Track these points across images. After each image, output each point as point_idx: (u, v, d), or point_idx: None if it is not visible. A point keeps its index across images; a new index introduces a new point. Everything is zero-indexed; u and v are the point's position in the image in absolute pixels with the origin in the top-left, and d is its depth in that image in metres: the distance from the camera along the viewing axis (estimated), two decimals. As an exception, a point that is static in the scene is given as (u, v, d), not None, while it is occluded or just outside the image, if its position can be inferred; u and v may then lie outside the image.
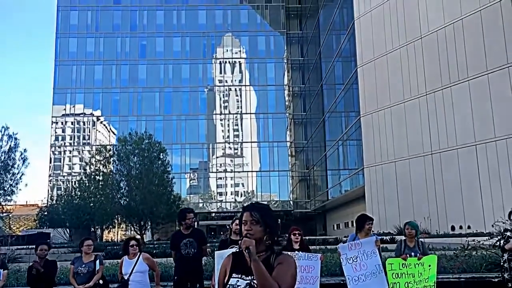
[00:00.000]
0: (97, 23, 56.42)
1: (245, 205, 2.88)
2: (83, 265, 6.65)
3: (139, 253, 6.76)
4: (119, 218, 37.62)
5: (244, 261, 2.65)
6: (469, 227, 23.44)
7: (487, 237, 9.98)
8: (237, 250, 2.84)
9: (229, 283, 2.62)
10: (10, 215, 38.58)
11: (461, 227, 24.20)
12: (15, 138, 32.65)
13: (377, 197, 30.68)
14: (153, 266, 6.89)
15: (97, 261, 6.75)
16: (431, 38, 27.55)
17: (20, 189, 33.05)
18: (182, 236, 6.66)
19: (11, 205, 37.23)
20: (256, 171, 54.99)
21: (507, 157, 22.58)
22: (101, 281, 6.66)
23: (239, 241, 2.68)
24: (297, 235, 6.79)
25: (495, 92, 23.39)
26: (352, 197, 36.27)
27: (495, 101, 23.33)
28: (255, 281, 2.59)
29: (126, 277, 6.54)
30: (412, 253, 6.64)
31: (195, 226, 6.91)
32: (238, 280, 2.62)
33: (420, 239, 6.96)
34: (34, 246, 7.02)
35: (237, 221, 6.55)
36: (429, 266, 6.36)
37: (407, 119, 28.96)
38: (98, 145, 46.63)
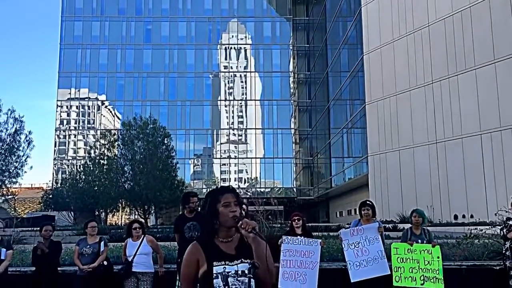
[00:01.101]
0: (102, 7, 56.14)
1: (222, 186, 2.84)
2: (88, 246, 6.74)
3: (142, 236, 6.84)
4: (123, 202, 37.87)
5: (217, 248, 2.59)
6: (472, 216, 23.43)
7: (489, 226, 10.00)
8: (195, 237, 2.74)
9: (214, 271, 2.51)
10: (15, 198, 38.86)
11: (464, 216, 24.23)
12: (21, 121, 32.75)
13: (380, 185, 30.70)
14: (156, 248, 6.97)
15: (102, 243, 6.84)
16: (439, 26, 27.29)
17: (25, 172, 33.31)
18: (186, 220, 6.73)
19: (16, 188, 37.49)
20: (260, 158, 55.06)
21: (512, 147, 22.49)
22: (105, 262, 6.76)
23: (237, 220, 2.59)
24: (296, 221, 6.86)
25: (501, 81, 23.22)
26: (356, 185, 36.32)
27: (501, 90, 23.17)
28: (245, 265, 2.55)
29: (130, 259, 6.62)
30: (419, 241, 6.69)
31: (199, 210, 6.96)
32: (224, 267, 2.54)
33: (426, 227, 6.98)
34: (38, 228, 7.10)
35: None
36: (438, 258, 6.38)
37: (412, 107, 28.84)
38: (102, 129, 46.74)
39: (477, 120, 24.38)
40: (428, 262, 6.40)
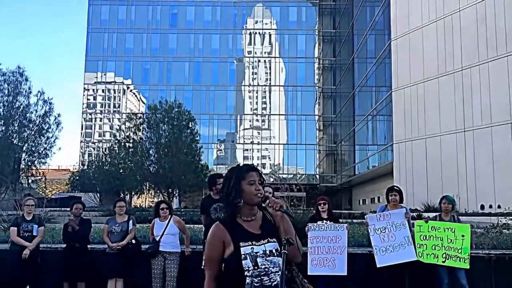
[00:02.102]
0: (128, -9, 56.49)
1: (245, 163, 2.79)
2: (117, 225, 6.88)
3: (170, 216, 6.93)
4: (147, 185, 38.44)
5: (241, 228, 2.55)
6: (499, 207, 22.98)
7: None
8: (221, 217, 2.68)
9: (242, 252, 2.46)
10: (44, 179, 39.86)
11: (490, 206, 23.79)
12: (50, 103, 33.50)
13: (405, 174, 30.33)
14: (183, 229, 7.07)
15: (130, 222, 6.97)
16: (470, 11, 26.55)
17: (54, 153, 34.19)
18: (212, 201, 6.78)
19: (45, 169, 38.41)
20: (283, 144, 54.98)
21: (544, 137, 21.91)
22: (133, 241, 6.89)
23: (265, 200, 2.57)
24: (322, 205, 6.84)
25: (535, 69, 22.55)
26: (380, 173, 35.97)
27: (534, 78, 22.51)
28: (272, 245, 2.52)
29: (157, 239, 6.73)
30: None
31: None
32: (252, 248, 2.49)
33: (455, 214, 6.88)
34: (66, 208, 7.27)
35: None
36: (462, 236, 6.28)
37: (440, 94, 28.27)
38: (128, 113, 47.28)
39: (508, 109, 23.78)
40: (451, 241, 6.31)
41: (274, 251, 2.53)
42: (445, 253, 6.26)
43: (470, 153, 26.08)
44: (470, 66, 26.30)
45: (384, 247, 6.41)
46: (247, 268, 2.45)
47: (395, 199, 6.73)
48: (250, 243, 2.50)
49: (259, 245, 2.51)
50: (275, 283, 2.48)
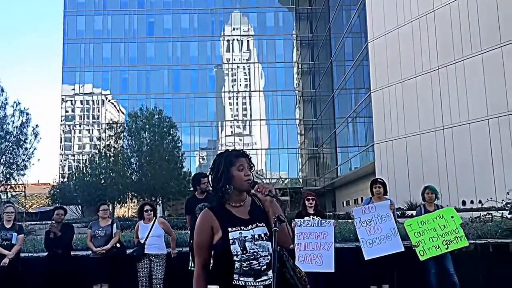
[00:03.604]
0: (104, 1, 56.02)
1: (233, 149, 2.78)
2: (100, 229, 6.75)
3: (154, 218, 6.84)
4: (130, 194, 38.00)
5: (230, 213, 2.54)
6: (480, 202, 23.24)
7: (500, 212, 9.90)
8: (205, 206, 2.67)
9: (231, 237, 2.46)
10: (23, 194, 39.10)
11: (472, 202, 24.07)
12: (27, 113, 32.90)
13: (387, 173, 30.56)
14: (168, 230, 6.97)
15: (114, 225, 6.85)
16: (444, 11, 27.04)
17: (32, 164, 33.50)
18: (197, 201, 6.69)
19: (23, 184, 37.69)
20: (265, 149, 55.01)
21: (520, 132, 22.34)
22: (118, 245, 6.77)
23: (253, 184, 2.55)
24: (311, 200, 6.81)
25: (508, 65, 23.01)
26: (362, 174, 36.22)
27: (508, 74, 22.97)
28: (261, 229, 2.51)
29: (142, 241, 6.62)
30: None
31: (210, 191, 6.94)
32: (240, 232, 2.48)
33: (439, 204, 6.93)
34: (47, 221, 7.13)
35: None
36: (452, 217, 6.31)
37: (418, 94, 28.66)
38: (107, 124, 46.77)
39: (484, 105, 24.20)
40: (444, 226, 6.34)
41: (262, 235, 2.52)
42: (444, 239, 6.27)
43: (450, 150, 26.46)
44: (446, 65, 26.73)
45: (371, 239, 6.42)
46: (235, 253, 2.44)
47: (379, 191, 6.76)
48: (238, 228, 2.49)
49: (248, 229, 2.50)
50: (265, 266, 2.48)
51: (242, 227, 2.49)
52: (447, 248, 6.26)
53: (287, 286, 2.55)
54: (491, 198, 10.99)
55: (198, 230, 2.56)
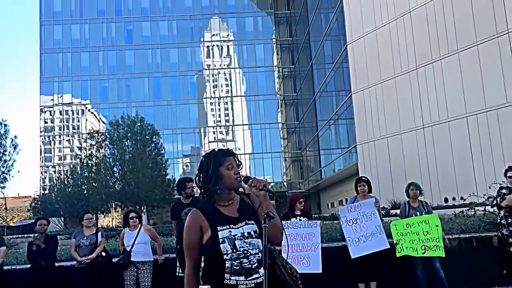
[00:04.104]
0: (81, 9, 55.44)
1: (220, 148, 2.79)
2: (85, 238, 6.64)
3: (140, 225, 6.76)
4: (114, 203, 37.57)
5: (218, 212, 2.54)
6: (462, 198, 23.65)
7: (483, 206, 10.05)
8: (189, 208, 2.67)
9: (220, 236, 2.45)
10: (3, 207, 38.38)
11: (454, 199, 24.46)
12: (5, 125, 32.38)
13: (370, 173, 30.77)
14: (155, 237, 6.90)
15: (99, 234, 6.75)
16: (420, 11, 27.46)
17: (12, 176, 32.93)
18: (183, 206, 6.65)
19: (3, 198, 37.04)
20: (249, 154, 54.97)
21: (498, 128, 22.75)
22: (103, 253, 6.66)
23: (246, 181, 2.60)
24: (302, 203, 6.83)
25: (484, 63, 23.46)
26: (346, 175, 36.45)
27: (485, 72, 23.41)
28: (250, 227, 2.51)
29: (128, 249, 6.54)
30: (418, 213, 6.69)
31: (195, 195, 6.90)
32: (230, 231, 2.47)
33: (424, 200, 7.01)
34: (29, 235, 6.99)
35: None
36: (436, 226, 6.39)
37: (398, 94, 29.01)
38: (88, 133, 46.25)
39: (463, 104, 24.60)
40: (427, 232, 6.41)
41: (252, 233, 2.51)
42: (423, 245, 6.35)
43: (431, 148, 26.81)
44: (424, 65, 27.13)
45: (357, 237, 6.46)
46: (225, 252, 2.43)
47: (364, 189, 6.81)
48: (227, 226, 2.48)
49: (237, 228, 2.49)
50: (255, 264, 2.47)
51: (231, 226, 2.48)
52: (423, 253, 6.36)
53: (278, 283, 2.55)
54: (473, 193, 11.13)
55: (187, 230, 2.55)
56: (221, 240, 2.44)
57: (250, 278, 2.44)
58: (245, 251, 2.45)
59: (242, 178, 2.60)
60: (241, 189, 2.66)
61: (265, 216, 2.41)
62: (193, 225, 2.53)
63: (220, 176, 2.53)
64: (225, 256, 2.43)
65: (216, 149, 2.72)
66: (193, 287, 2.51)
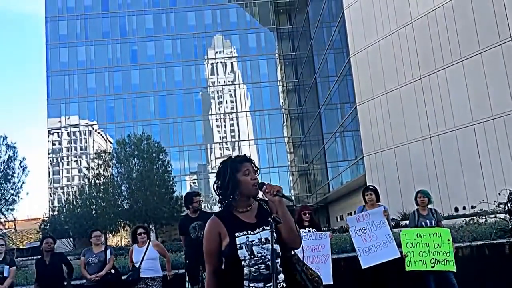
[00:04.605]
0: (86, 31, 56.23)
1: (237, 155, 2.80)
2: (94, 255, 6.63)
3: (148, 241, 6.75)
4: (122, 222, 37.53)
5: (237, 219, 2.55)
6: (472, 207, 23.39)
7: (494, 214, 9.93)
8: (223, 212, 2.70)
9: (238, 242, 2.46)
10: (13, 230, 38.48)
11: (464, 208, 24.19)
12: (14, 147, 32.65)
13: (378, 184, 30.31)
14: (163, 252, 6.88)
15: (108, 251, 6.74)
16: (422, 21, 27.57)
17: (21, 198, 33.10)
18: (190, 220, 6.64)
19: (13, 220, 37.15)
20: (256, 169, 54.79)
21: (506, 135, 22.61)
22: (112, 271, 6.64)
23: (261, 186, 2.56)
24: (307, 214, 6.77)
25: (489, 71, 23.42)
26: (354, 187, 36.25)
27: (489, 79, 23.37)
28: (267, 233, 2.49)
29: (137, 265, 6.52)
30: (427, 221, 6.61)
31: (202, 209, 6.90)
32: (247, 237, 2.48)
33: (433, 207, 6.93)
34: (38, 256, 6.98)
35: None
36: (448, 240, 6.28)
37: (403, 104, 28.97)
38: (95, 153, 46.43)
39: (469, 112, 24.51)
40: (438, 245, 6.30)
41: (270, 238, 2.48)
42: (433, 258, 6.24)
43: (439, 158, 26.65)
44: (428, 74, 27.13)
45: (367, 247, 6.39)
46: (243, 258, 2.44)
47: (371, 198, 6.76)
48: (245, 232, 2.49)
49: (255, 233, 2.50)
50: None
51: (249, 231, 2.49)
52: (432, 267, 6.24)
53: None
54: (483, 200, 11.01)
55: (207, 237, 2.56)
56: (238, 246, 2.45)
57: (269, 284, 2.42)
58: (263, 257, 2.45)
59: (259, 185, 2.58)
60: (259, 196, 2.66)
61: (272, 221, 2.41)
62: (212, 232, 2.55)
63: (237, 182, 2.55)
64: (243, 262, 2.44)
65: (233, 156, 2.74)
66: None
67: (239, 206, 2.58)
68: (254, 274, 2.42)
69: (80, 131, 55.86)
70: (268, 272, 2.42)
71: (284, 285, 2.47)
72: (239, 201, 2.57)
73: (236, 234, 2.48)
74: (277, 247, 2.46)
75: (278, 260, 2.46)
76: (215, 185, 2.63)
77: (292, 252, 2.66)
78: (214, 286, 2.54)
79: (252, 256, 2.44)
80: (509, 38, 22.47)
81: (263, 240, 2.48)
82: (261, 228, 2.51)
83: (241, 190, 2.55)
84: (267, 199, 2.60)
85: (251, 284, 2.42)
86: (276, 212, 2.52)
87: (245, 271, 2.43)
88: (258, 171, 2.65)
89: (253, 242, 2.46)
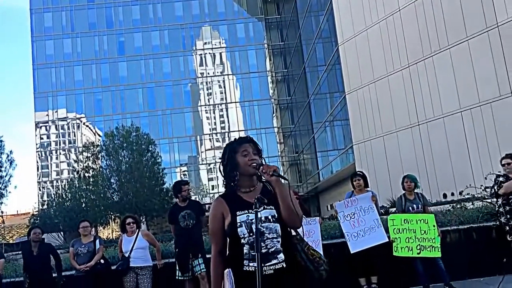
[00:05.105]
0: (72, 23, 55.51)
1: (240, 136, 2.85)
2: (83, 246, 6.61)
3: (137, 230, 6.74)
4: (112, 215, 37.43)
5: (239, 198, 2.61)
6: (460, 193, 23.60)
7: (479, 201, 10.04)
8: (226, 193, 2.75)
9: (238, 220, 2.52)
10: (2, 225, 38.17)
11: (452, 194, 24.43)
12: (0, 141, 32.29)
13: (368, 173, 30.28)
14: (153, 242, 6.88)
15: (97, 241, 6.72)
16: (409, 9, 27.61)
17: (9, 192, 32.85)
18: (180, 209, 6.65)
19: (1, 215, 36.88)
20: (246, 159, 54.84)
21: (493, 121, 22.82)
22: (102, 261, 6.63)
23: (256, 166, 2.58)
24: (295, 198, 6.78)
25: (476, 58, 23.57)
26: (343, 176, 36.38)
27: (476, 66, 23.52)
28: (268, 212, 2.54)
29: (126, 255, 6.51)
30: (414, 205, 6.67)
31: (191, 198, 6.89)
32: (247, 215, 2.53)
33: (419, 192, 6.99)
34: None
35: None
36: (434, 226, 6.36)
37: (391, 92, 29.08)
38: (84, 145, 46.06)
39: (456, 99, 24.68)
40: (425, 232, 6.37)
41: (270, 217, 2.54)
42: (419, 244, 6.31)
43: (427, 145, 26.85)
44: (416, 62, 27.23)
45: (356, 232, 6.44)
46: (242, 235, 2.49)
47: (359, 183, 6.80)
48: (246, 211, 2.54)
49: (253, 212, 2.52)
50: (272, 249, 2.49)
51: (249, 210, 2.53)
52: (418, 253, 6.33)
53: (299, 269, 2.58)
54: (470, 185, 11.13)
55: (211, 217, 2.64)
56: (238, 224, 2.51)
57: (269, 264, 2.46)
58: (262, 235, 2.48)
59: (257, 164, 2.61)
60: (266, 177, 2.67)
61: (256, 201, 2.43)
62: (216, 212, 2.62)
63: (235, 163, 2.62)
64: (242, 240, 2.49)
65: (236, 138, 2.82)
66: (218, 272, 2.57)
67: (242, 187, 2.66)
68: (252, 253, 2.45)
69: (68, 124, 55.37)
70: (265, 251, 2.46)
71: (284, 265, 2.50)
72: (242, 182, 2.64)
73: (238, 213, 2.54)
74: (277, 226, 2.51)
75: (278, 239, 2.50)
76: (220, 167, 2.73)
77: (294, 232, 2.71)
78: (219, 263, 2.60)
79: (251, 234, 2.48)
80: (496, 24, 22.62)
81: (263, 218, 2.52)
82: (261, 207, 2.54)
83: (240, 171, 2.62)
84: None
85: (251, 264, 2.46)
86: (275, 191, 2.57)
87: (245, 251, 2.48)
88: (261, 151, 2.70)
89: (253, 220, 2.49)
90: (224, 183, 2.72)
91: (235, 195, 2.64)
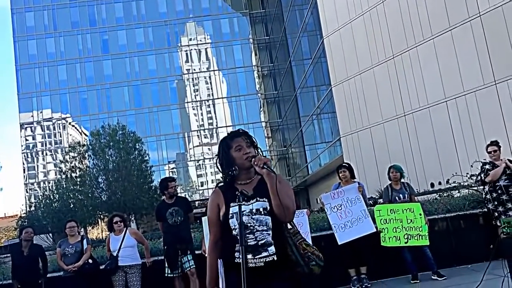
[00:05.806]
0: (54, 22, 54.79)
1: (232, 130, 2.83)
2: (70, 246, 6.54)
3: (125, 229, 6.69)
4: (101, 215, 37.22)
5: (235, 190, 2.62)
6: (447, 182, 23.84)
7: (466, 184, 10.16)
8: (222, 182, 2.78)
9: (231, 212, 2.54)
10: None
11: (440, 183, 24.64)
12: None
13: (355, 164, 30.92)
14: (141, 240, 6.84)
15: (84, 241, 6.65)
16: (393, 0, 27.71)
17: (-4, 194, 32.44)
18: (167, 206, 6.62)
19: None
20: (234, 155, 54.80)
21: (477, 109, 23.05)
22: (90, 261, 6.56)
23: (250, 159, 2.59)
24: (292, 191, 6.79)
25: (459, 47, 23.76)
26: (332, 168, 36.52)
27: (460, 56, 23.71)
28: (260, 204, 2.55)
29: (115, 254, 6.47)
30: (400, 195, 6.71)
31: (178, 194, 6.86)
32: (240, 207, 2.56)
33: (406, 181, 7.03)
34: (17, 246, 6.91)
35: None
36: (420, 214, 6.40)
37: (377, 83, 29.22)
38: (69, 146, 45.63)
39: (441, 89, 24.88)
40: (411, 221, 6.40)
41: (261, 209, 2.54)
42: (406, 233, 6.34)
43: (413, 135, 27.06)
44: (401, 53, 27.38)
45: (343, 223, 6.45)
46: (233, 227, 2.51)
47: (345, 175, 6.82)
48: (240, 203, 2.57)
49: (248, 204, 2.56)
50: (262, 241, 2.49)
51: (243, 202, 2.56)
52: (406, 243, 6.35)
53: (288, 263, 2.56)
54: (456, 173, 11.24)
55: (209, 207, 2.68)
56: (230, 215, 2.54)
57: (259, 256, 2.47)
58: (251, 227, 2.49)
59: (252, 156, 2.62)
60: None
61: (239, 194, 2.44)
62: (213, 203, 2.67)
63: (231, 159, 2.64)
64: (233, 232, 2.51)
65: (228, 132, 2.81)
66: (213, 258, 2.63)
67: (239, 179, 2.68)
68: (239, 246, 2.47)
69: (53, 125, 54.78)
70: (255, 243, 2.47)
71: (275, 258, 2.49)
72: (240, 174, 2.67)
73: (231, 204, 2.57)
74: (268, 218, 2.51)
75: (269, 231, 2.50)
76: (216, 163, 2.75)
77: (289, 226, 2.72)
78: (214, 251, 2.63)
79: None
80: (478, 14, 22.80)
81: (253, 211, 2.53)
82: (254, 200, 2.56)
83: (237, 165, 2.65)
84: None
85: (240, 255, 2.45)
86: (267, 183, 2.56)
87: (237, 247, 2.50)
88: (256, 143, 2.71)
89: (244, 212, 2.51)
90: (223, 177, 2.75)
91: (231, 186, 2.66)
